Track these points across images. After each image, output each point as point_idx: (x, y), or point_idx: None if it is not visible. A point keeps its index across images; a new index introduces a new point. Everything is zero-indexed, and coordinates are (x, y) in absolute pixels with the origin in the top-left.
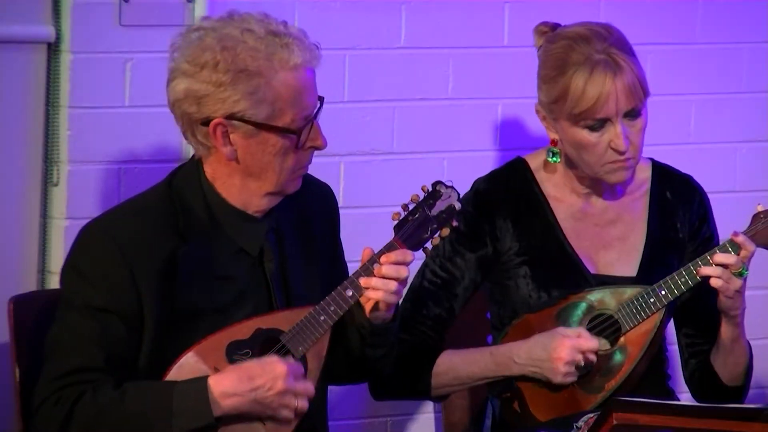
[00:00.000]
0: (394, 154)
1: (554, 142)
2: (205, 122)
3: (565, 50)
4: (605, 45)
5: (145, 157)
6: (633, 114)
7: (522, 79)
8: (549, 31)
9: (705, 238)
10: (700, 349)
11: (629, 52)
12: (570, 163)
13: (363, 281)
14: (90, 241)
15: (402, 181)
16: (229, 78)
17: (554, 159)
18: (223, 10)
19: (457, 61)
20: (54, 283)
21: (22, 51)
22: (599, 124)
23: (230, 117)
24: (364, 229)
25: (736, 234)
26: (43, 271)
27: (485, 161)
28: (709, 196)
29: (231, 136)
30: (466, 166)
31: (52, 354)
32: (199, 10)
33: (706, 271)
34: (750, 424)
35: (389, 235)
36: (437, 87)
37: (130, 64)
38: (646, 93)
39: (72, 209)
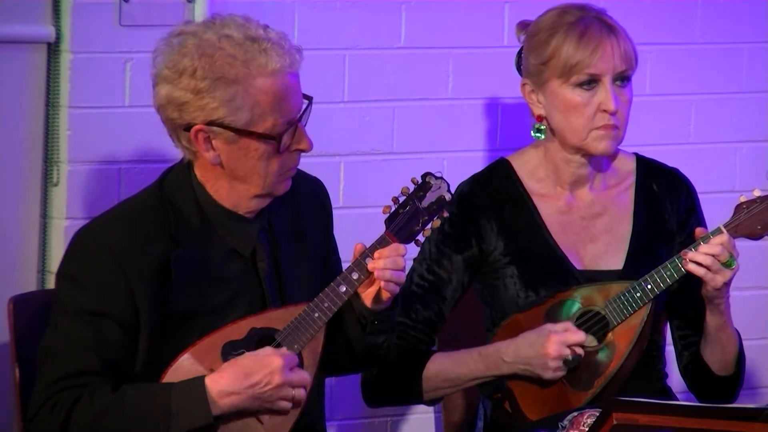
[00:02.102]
0: (394, 154)
1: (540, 118)
2: (187, 128)
3: (558, 15)
4: (597, 12)
5: (145, 157)
6: (623, 79)
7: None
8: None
9: (693, 230)
10: (692, 341)
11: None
12: (554, 146)
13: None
14: (82, 247)
15: (402, 181)
16: (207, 85)
17: (540, 135)
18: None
19: (457, 61)
20: (54, 283)
21: (22, 51)
22: (590, 83)
23: (210, 123)
24: (363, 229)
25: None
26: (43, 271)
27: (485, 161)
28: (710, 196)
29: (213, 141)
30: (466, 166)
31: (47, 360)
32: (199, 10)
33: (691, 265)
34: (750, 424)
35: None
36: (437, 87)
37: (129, 64)
38: (636, 60)
39: (72, 209)
